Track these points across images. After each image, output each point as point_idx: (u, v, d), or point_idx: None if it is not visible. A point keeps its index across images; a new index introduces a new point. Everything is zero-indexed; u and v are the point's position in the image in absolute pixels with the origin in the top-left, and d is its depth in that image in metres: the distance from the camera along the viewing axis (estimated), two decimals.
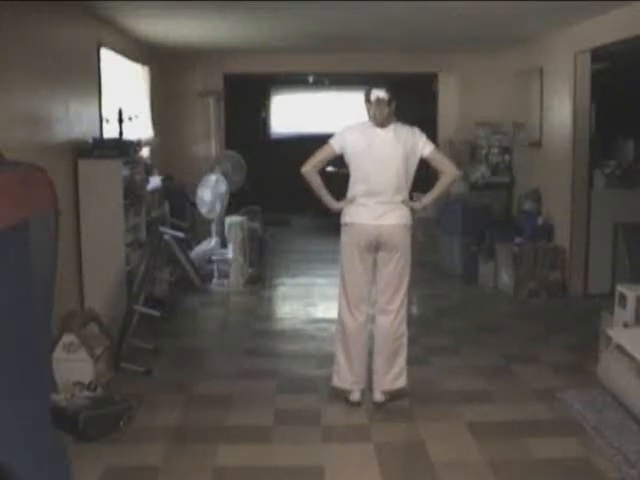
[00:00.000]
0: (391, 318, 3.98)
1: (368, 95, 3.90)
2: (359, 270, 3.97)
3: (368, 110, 3.93)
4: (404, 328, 4.02)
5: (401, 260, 3.94)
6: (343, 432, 3.70)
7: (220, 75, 8.49)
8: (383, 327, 4.00)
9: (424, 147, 3.90)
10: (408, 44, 7.56)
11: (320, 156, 3.95)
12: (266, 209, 8.89)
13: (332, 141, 3.95)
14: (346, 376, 4.02)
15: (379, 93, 3.86)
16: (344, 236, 4.02)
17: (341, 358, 4.05)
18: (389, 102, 3.87)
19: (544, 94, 6.96)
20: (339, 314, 4.08)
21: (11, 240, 2.10)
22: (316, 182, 3.96)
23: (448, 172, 3.92)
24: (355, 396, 4.00)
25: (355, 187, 3.94)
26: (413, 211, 4.00)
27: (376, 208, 3.87)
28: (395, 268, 3.94)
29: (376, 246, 3.92)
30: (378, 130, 3.89)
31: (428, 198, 4.02)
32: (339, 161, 4.08)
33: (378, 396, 3.98)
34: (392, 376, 3.98)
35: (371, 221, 3.88)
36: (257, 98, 11.71)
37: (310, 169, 3.93)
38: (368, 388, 4.07)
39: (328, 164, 4.06)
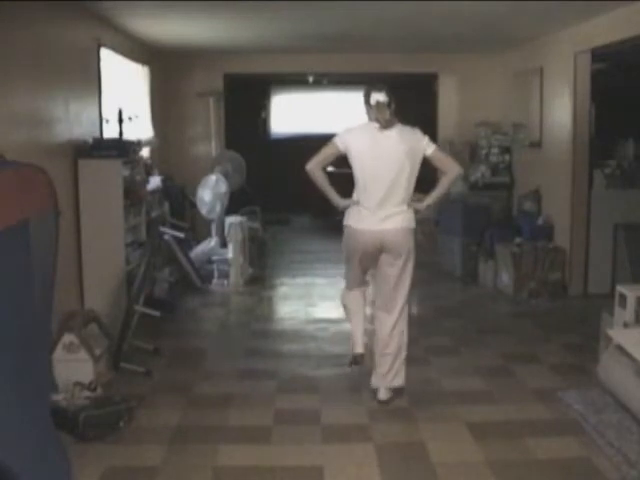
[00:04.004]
0: (394, 317, 4.00)
1: (368, 98, 3.90)
2: (359, 270, 4.11)
3: (368, 112, 3.93)
4: (405, 326, 4.05)
5: (406, 263, 3.94)
6: (343, 432, 3.69)
7: (220, 75, 8.49)
8: (386, 325, 4.02)
9: (427, 146, 3.89)
10: (408, 44, 7.56)
11: (324, 154, 3.95)
12: (266, 209, 8.89)
13: (336, 140, 3.93)
14: (352, 333, 4.26)
15: (379, 97, 3.85)
16: (345, 238, 4.04)
17: (348, 323, 4.32)
18: (389, 104, 3.86)
19: (544, 94, 6.96)
20: (343, 289, 4.32)
21: (11, 240, 2.10)
22: (321, 179, 3.97)
23: (451, 170, 3.92)
24: (358, 348, 4.18)
25: (360, 189, 3.93)
26: (416, 211, 3.98)
27: (379, 212, 3.86)
28: (399, 271, 3.95)
29: (380, 249, 3.92)
30: (383, 132, 3.86)
31: (432, 197, 4.00)
32: (340, 161, 4.07)
33: (383, 394, 4.01)
34: (393, 374, 4.01)
35: (374, 226, 3.87)
36: (257, 98, 11.71)
37: (314, 166, 3.94)
38: (371, 389, 4.09)
39: (331, 163, 4.04)
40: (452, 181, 3.98)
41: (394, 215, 3.87)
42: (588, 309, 5.82)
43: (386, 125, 3.85)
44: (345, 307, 4.31)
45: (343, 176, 4.24)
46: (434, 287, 6.96)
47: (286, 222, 10.94)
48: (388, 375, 4.00)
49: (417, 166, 3.90)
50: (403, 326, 4.04)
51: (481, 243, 7.04)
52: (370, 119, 3.92)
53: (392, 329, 4.00)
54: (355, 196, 3.97)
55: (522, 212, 7.26)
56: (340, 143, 3.91)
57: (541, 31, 6.64)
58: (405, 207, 3.89)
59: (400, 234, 3.89)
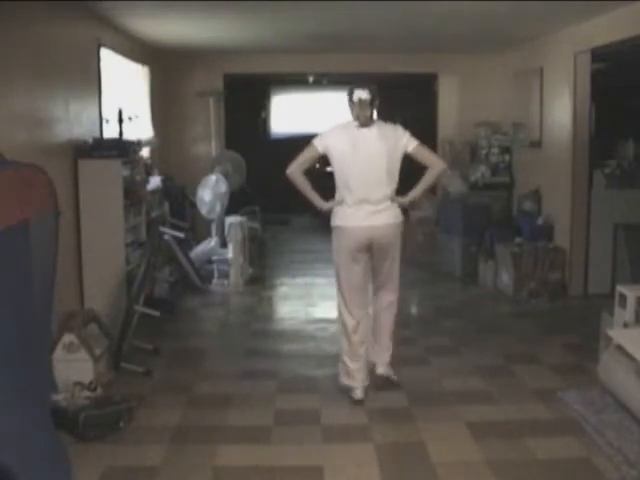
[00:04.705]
0: (391, 293, 4.15)
1: (351, 95, 3.93)
2: (355, 273, 4.04)
3: (351, 110, 3.96)
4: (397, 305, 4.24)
5: (395, 257, 4.07)
6: (343, 432, 3.70)
7: (220, 75, 8.49)
8: (384, 301, 4.15)
9: (408, 143, 3.93)
10: (408, 44, 7.55)
11: (304, 157, 3.99)
12: (266, 209, 8.88)
13: (315, 142, 3.98)
14: (350, 374, 4.07)
15: (361, 94, 3.88)
16: (335, 240, 4.06)
17: (345, 356, 4.11)
18: (371, 102, 3.89)
19: (544, 94, 6.96)
20: (339, 314, 4.16)
21: (11, 240, 2.10)
22: (301, 182, 4.01)
23: (434, 166, 3.97)
24: (358, 393, 4.03)
25: (342, 188, 3.97)
26: (402, 208, 4.05)
27: (365, 209, 3.90)
28: (389, 265, 4.07)
29: (368, 246, 3.97)
30: (362, 130, 3.91)
31: (414, 193, 4.07)
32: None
33: (382, 368, 4.15)
34: (389, 346, 4.18)
35: (362, 223, 3.92)
36: (257, 98, 11.70)
37: (295, 170, 3.98)
38: (370, 387, 4.10)
39: (313, 164, 4.08)
40: (436, 176, 4.04)
41: (381, 211, 3.93)
42: (588, 309, 5.82)
43: (365, 123, 3.90)
44: (344, 363, 4.09)
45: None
46: (434, 287, 6.96)
47: (286, 222, 10.93)
48: (385, 349, 4.15)
49: (398, 162, 3.95)
50: (396, 302, 4.20)
51: (481, 243, 7.04)
52: (353, 117, 3.95)
53: (389, 304, 4.15)
54: (337, 197, 4.01)
55: (522, 212, 7.26)
56: (319, 145, 3.95)
57: (541, 31, 6.64)
58: (389, 203, 3.95)
59: (390, 229, 3.97)
